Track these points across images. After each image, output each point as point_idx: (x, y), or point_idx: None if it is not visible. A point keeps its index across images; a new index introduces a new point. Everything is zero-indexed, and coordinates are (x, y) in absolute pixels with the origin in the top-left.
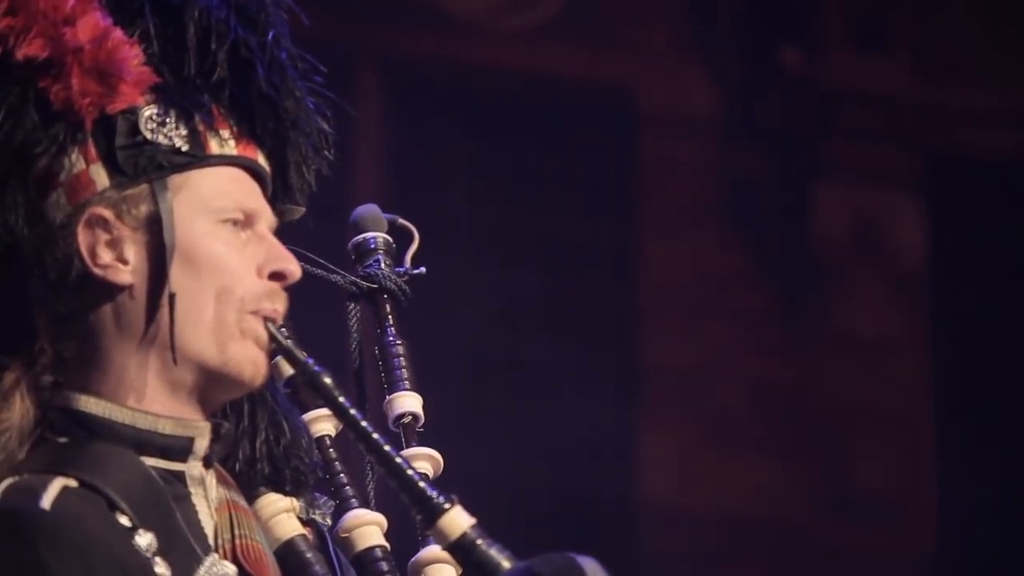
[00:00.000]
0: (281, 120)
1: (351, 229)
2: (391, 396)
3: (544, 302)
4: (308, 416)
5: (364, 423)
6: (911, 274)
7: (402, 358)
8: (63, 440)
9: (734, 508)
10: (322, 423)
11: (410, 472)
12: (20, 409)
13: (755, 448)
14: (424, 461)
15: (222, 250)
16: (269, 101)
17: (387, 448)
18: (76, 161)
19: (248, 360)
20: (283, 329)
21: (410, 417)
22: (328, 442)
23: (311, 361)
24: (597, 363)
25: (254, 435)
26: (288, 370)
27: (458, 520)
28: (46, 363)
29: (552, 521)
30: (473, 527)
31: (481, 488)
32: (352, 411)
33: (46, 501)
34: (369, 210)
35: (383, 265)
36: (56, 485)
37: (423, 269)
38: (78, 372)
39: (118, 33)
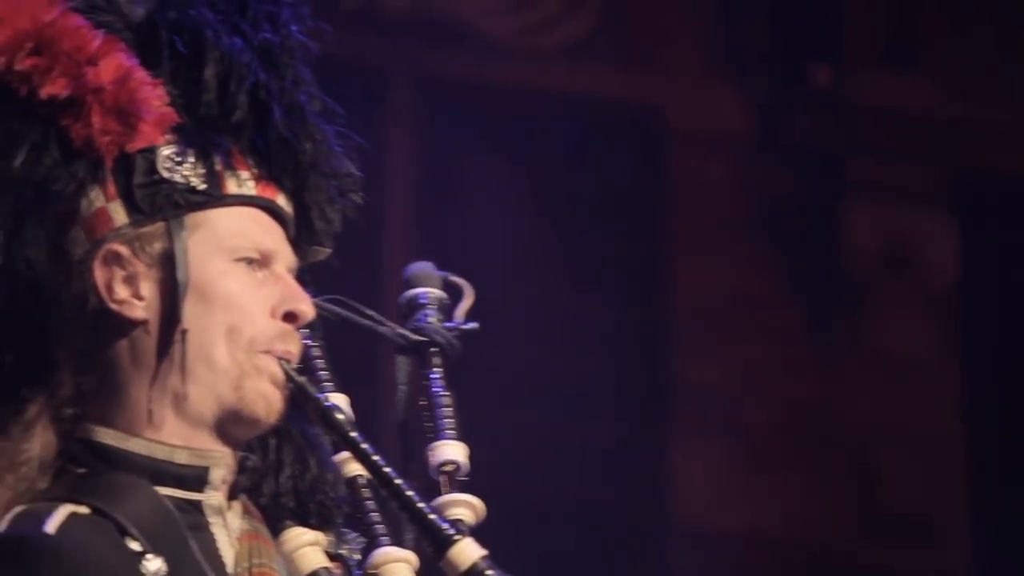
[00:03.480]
0: (299, 162)
1: (404, 285)
2: (435, 444)
3: (575, 319)
4: (341, 456)
5: (376, 457)
6: (942, 292)
7: (448, 408)
8: (82, 471)
9: (763, 526)
10: (355, 463)
11: (421, 504)
12: (41, 440)
13: (785, 466)
14: (464, 508)
15: (236, 288)
16: (286, 143)
17: (399, 481)
18: (96, 199)
19: (261, 397)
20: (317, 359)
21: (453, 466)
22: (361, 482)
23: (323, 397)
24: (627, 381)
25: (279, 469)
26: None
27: (468, 551)
28: (66, 396)
29: (582, 538)
30: (484, 558)
31: (510, 505)
32: (364, 445)
33: (51, 526)
34: (422, 267)
35: (432, 319)
36: (63, 511)
37: (475, 324)
38: (97, 404)
39: (141, 74)
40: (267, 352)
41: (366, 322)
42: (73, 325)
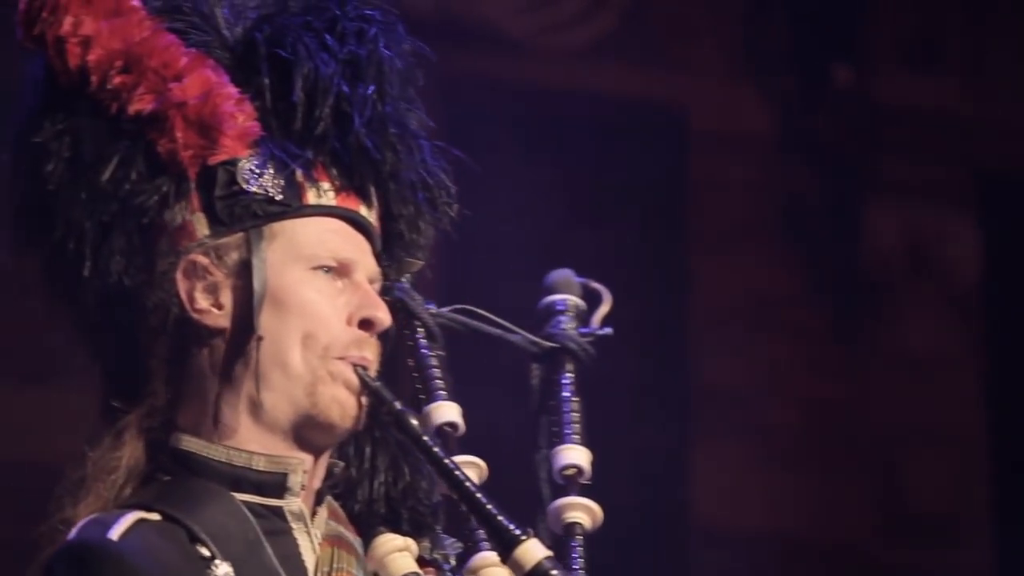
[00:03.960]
0: (379, 172)
1: (544, 291)
2: (559, 448)
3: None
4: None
5: (447, 461)
6: (964, 292)
7: (575, 414)
8: (167, 479)
9: (785, 527)
10: (464, 469)
11: (489, 506)
12: (129, 449)
13: (806, 467)
14: (582, 511)
15: (312, 296)
16: (366, 153)
17: (468, 484)
18: (180, 211)
19: (335, 402)
20: (434, 367)
21: (575, 470)
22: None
23: (398, 403)
24: (648, 381)
25: (373, 476)
26: (438, 418)
27: (533, 550)
28: (156, 405)
29: (604, 539)
30: (548, 558)
31: (533, 505)
32: (436, 449)
33: (115, 532)
34: (561, 274)
35: (565, 326)
36: (130, 518)
37: (609, 330)
38: (182, 413)
39: (227, 89)
40: (342, 358)
41: (496, 331)
42: (158, 335)
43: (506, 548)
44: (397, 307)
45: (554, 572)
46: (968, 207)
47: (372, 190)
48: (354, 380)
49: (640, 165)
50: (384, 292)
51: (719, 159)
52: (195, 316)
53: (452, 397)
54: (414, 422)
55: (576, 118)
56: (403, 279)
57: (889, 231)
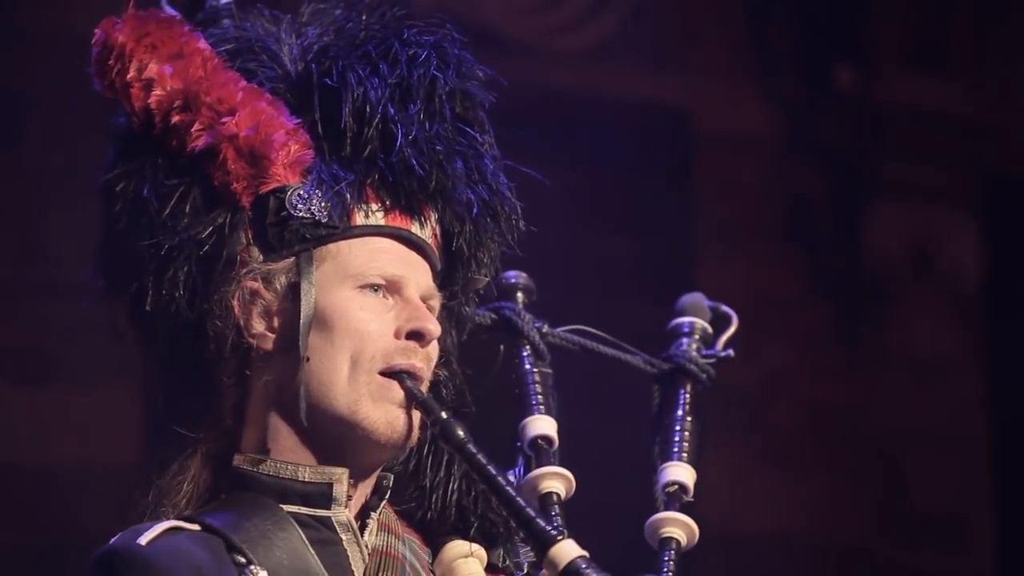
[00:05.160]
0: (425, 189)
1: (674, 314)
2: (666, 465)
3: (599, 321)
4: (537, 472)
5: (490, 467)
6: (968, 294)
7: (687, 433)
8: (224, 497)
9: (789, 528)
10: (550, 480)
11: (528, 510)
12: (194, 472)
13: (810, 468)
14: (679, 527)
15: (359, 315)
16: (411, 171)
17: (508, 490)
18: (236, 241)
19: (382, 420)
20: (536, 384)
21: (677, 487)
22: (555, 499)
23: (444, 413)
24: None
25: (448, 484)
26: (533, 432)
27: (567, 549)
28: (223, 429)
29: (606, 540)
30: (582, 558)
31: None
32: (479, 456)
33: (145, 538)
34: (692, 298)
35: (686, 347)
36: (162, 525)
37: (731, 352)
38: (244, 434)
39: (280, 120)
40: (388, 368)
41: (613, 351)
42: (221, 362)
43: (542, 548)
44: (504, 326)
45: (587, 571)
46: (971, 209)
47: (425, 209)
48: (399, 395)
49: (644, 167)
50: (492, 311)
51: (723, 160)
52: (251, 341)
53: (551, 413)
54: (459, 431)
55: (580, 120)
56: (516, 299)
57: (892, 233)
